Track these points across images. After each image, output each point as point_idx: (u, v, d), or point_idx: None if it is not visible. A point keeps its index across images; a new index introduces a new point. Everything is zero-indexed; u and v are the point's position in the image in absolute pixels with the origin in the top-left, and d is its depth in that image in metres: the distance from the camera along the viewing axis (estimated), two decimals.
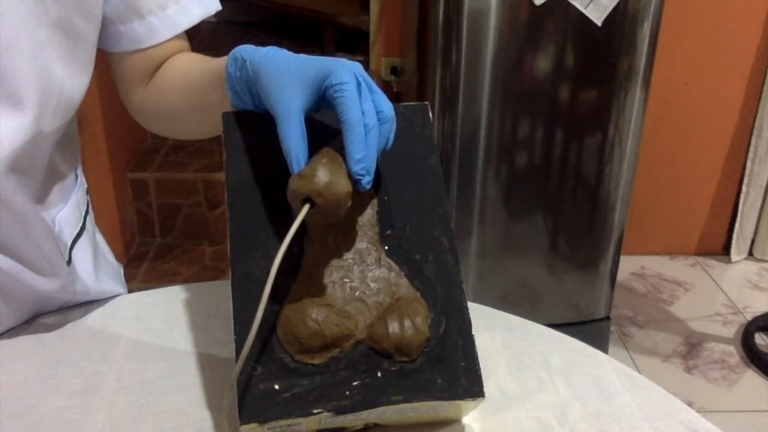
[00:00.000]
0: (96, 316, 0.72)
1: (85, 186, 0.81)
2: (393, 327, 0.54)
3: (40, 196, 0.69)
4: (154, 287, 0.76)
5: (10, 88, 0.58)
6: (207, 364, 0.65)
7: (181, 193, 2.38)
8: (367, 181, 0.53)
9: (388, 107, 0.55)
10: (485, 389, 0.54)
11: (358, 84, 0.54)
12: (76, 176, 0.77)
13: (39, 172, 0.66)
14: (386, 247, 0.58)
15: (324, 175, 0.51)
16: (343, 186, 0.52)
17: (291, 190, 0.52)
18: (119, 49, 0.72)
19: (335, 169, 0.52)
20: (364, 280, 0.56)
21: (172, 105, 0.73)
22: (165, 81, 0.73)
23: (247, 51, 0.59)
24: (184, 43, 0.76)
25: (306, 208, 0.51)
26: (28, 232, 0.64)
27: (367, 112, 0.53)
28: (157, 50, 0.73)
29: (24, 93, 0.59)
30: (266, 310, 0.54)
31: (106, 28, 0.70)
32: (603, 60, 1.68)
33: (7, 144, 0.59)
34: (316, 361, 0.53)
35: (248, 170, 0.59)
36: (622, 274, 2.45)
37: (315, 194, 0.51)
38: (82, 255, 0.76)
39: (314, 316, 0.53)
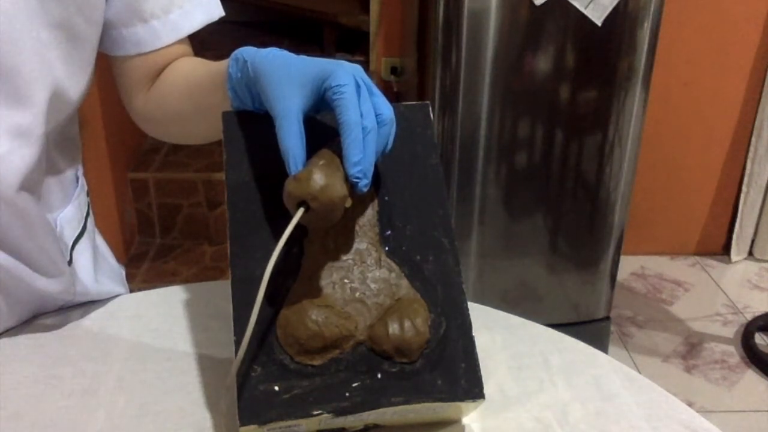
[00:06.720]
0: (96, 316, 0.72)
1: (86, 188, 0.81)
2: (393, 328, 0.54)
3: (42, 195, 0.69)
4: (154, 287, 0.76)
5: (13, 85, 0.59)
6: (207, 364, 0.65)
7: (181, 193, 2.38)
8: (364, 184, 0.52)
9: (387, 110, 0.55)
10: (485, 390, 0.54)
11: (358, 86, 0.54)
12: (77, 177, 0.77)
13: (40, 170, 0.66)
14: (386, 248, 0.58)
15: (320, 178, 0.51)
16: (339, 190, 0.51)
17: (286, 192, 0.52)
18: (122, 53, 0.72)
19: (332, 172, 0.52)
20: (364, 281, 0.56)
21: (174, 109, 0.73)
22: (167, 85, 0.73)
23: (248, 52, 0.60)
24: (187, 48, 0.76)
25: (301, 211, 0.51)
26: (30, 230, 0.64)
27: (366, 114, 0.53)
28: (160, 54, 0.73)
29: (28, 91, 0.60)
30: (266, 311, 0.54)
31: (108, 31, 0.70)
32: (603, 60, 1.68)
33: (8, 141, 0.59)
34: (316, 362, 0.53)
35: (248, 170, 0.59)
36: (622, 274, 2.45)
37: (310, 198, 0.51)
38: (83, 256, 0.76)
39: (314, 317, 0.53)
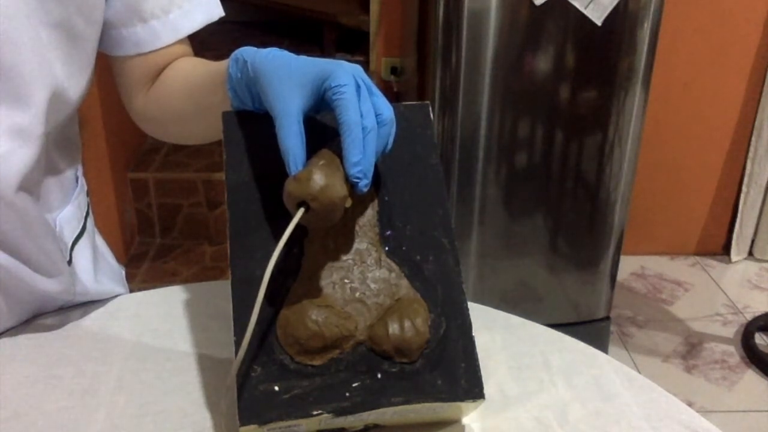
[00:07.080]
0: (96, 316, 0.72)
1: (86, 188, 0.81)
2: (393, 328, 0.54)
3: (41, 195, 0.69)
4: (154, 287, 0.76)
5: (13, 85, 0.59)
6: (207, 364, 0.65)
7: (181, 193, 2.38)
8: (364, 184, 0.52)
9: (387, 109, 0.55)
10: (485, 390, 0.54)
11: (358, 86, 0.54)
12: (77, 177, 0.77)
13: (39, 170, 0.66)
14: (386, 248, 0.58)
15: (320, 178, 0.51)
16: (339, 190, 0.51)
17: (286, 192, 0.52)
18: (121, 53, 0.72)
19: (332, 172, 0.52)
20: (364, 281, 0.56)
21: (173, 109, 0.73)
22: (167, 85, 0.73)
23: (248, 52, 0.60)
24: (187, 48, 0.76)
25: (301, 211, 0.51)
26: (29, 230, 0.64)
27: (366, 114, 0.53)
28: (160, 54, 0.73)
29: (28, 91, 0.60)
30: (266, 311, 0.54)
31: (108, 31, 0.70)
32: (603, 60, 1.68)
33: (8, 141, 0.59)
34: (316, 362, 0.53)
35: (248, 170, 0.59)
36: (622, 274, 2.45)
37: (310, 198, 0.51)
38: (82, 256, 0.76)
39: (314, 317, 0.53)
